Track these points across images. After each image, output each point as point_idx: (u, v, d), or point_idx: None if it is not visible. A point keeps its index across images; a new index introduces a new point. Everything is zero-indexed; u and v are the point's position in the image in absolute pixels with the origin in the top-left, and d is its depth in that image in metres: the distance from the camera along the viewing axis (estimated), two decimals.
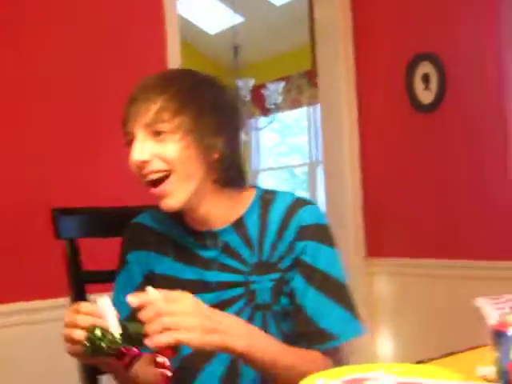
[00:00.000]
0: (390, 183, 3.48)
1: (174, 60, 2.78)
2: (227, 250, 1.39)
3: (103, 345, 1.11)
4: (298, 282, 1.35)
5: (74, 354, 1.18)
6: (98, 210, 1.77)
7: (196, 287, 1.33)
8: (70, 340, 1.15)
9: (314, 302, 1.34)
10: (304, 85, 6.33)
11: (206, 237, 1.40)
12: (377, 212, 3.54)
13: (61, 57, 2.60)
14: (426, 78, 3.28)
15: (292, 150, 7.68)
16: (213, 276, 1.39)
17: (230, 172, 1.38)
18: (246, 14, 6.30)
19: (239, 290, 1.37)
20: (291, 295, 1.36)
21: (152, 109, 1.29)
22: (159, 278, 1.42)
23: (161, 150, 1.30)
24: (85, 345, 1.12)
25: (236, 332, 1.19)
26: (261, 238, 1.39)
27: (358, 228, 3.56)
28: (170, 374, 1.15)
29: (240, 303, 1.37)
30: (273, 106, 5.21)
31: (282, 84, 5.22)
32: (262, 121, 6.39)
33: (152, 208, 1.44)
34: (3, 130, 2.47)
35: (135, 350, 1.14)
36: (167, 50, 2.81)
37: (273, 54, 6.53)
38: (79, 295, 1.62)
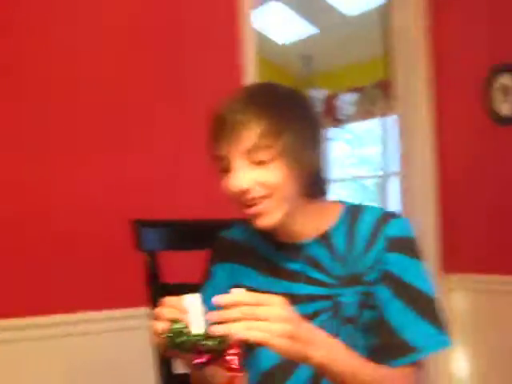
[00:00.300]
0: (468, 196, 3.39)
1: (251, 73, 2.79)
2: (313, 262, 1.38)
3: (180, 340, 1.11)
4: (383, 293, 1.33)
5: (156, 345, 1.18)
6: (179, 222, 1.75)
7: None
8: (155, 332, 1.15)
9: (399, 314, 1.31)
10: (377, 95, 6.26)
11: (292, 249, 1.39)
12: (454, 226, 3.44)
13: (145, 69, 2.63)
14: (505, 90, 3.18)
15: (361, 162, 7.61)
16: (299, 288, 1.37)
17: (318, 185, 1.38)
18: (318, 25, 6.27)
19: (325, 303, 1.34)
20: (376, 308, 1.33)
21: (252, 136, 1.25)
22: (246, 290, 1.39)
23: (262, 176, 1.27)
24: (166, 338, 1.12)
25: (318, 342, 1.16)
26: (348, 250, 1.37)
27: (435, 243, 3.47)
28: (240, 374, 1.10)
29: (324, 316, 1.34)
30: (344, 117, 5.16)
31: (356, 95, 5.17)
32: (332, 131, 6.34)
33: (239, 221, 1.44)
34: (86, 145, 2.49)
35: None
36: (243, 62, 2.81)
37: (344, 64, 6.49)
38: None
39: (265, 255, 1.42)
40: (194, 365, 1.12)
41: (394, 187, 6.66)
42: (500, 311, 3.20)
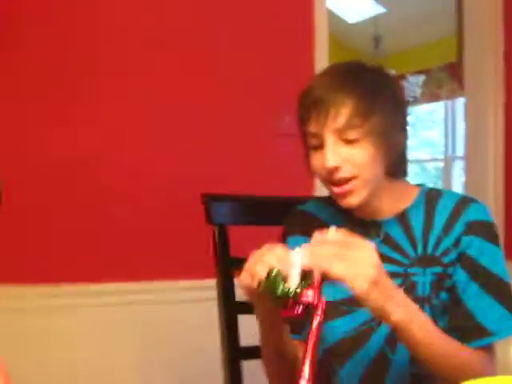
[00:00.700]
0: None
1: (323, 54, 2.78)
2: (388, 241, 1.38)
3: (277, 287, 1.08)
4: (460, 275, 1.33)
5: (245, 286, 1.16)
6: (247, 197, 1.77)
7: None
8: (250, 272, 1.14)
9: (475, 297, 1.32)
10: (444, 78, 6.16)
11: (369, 226, 1.39)
12: None
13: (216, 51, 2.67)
14: None
15: (422, 144, 7.51)
16: None
17: (401, 165, 1.39)
18: (388, 5, 6.18)
19: (397, 281, 1.33)
20: (451, 290, 1.33)
21: (343, 113, 1.26)
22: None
23: (352, 155, 1.28)
24: (260, 281, 1.11)
25: (399, 299, 1.16)
26: (425, 232, 1.37)
27: (500, 228, 3.42)
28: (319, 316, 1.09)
29: None
30: (411, 99, 5.10)
31: (422, 77, 5.10)
32: None
33: (315, 198, 1.47)
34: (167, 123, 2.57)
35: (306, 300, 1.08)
36: (315, 43, 2.81)
37: (413, 45, 6.39)
38: (226, 280, 1.64)
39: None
40: (284, 317, 1.12)
41: (456, 171, 6.57)
42: None
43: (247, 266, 1.15)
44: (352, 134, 1.27)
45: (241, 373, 1.62)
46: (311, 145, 1.32)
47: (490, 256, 1.34)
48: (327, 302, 1.12)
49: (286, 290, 1.07)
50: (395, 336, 1.24)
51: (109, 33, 2.49)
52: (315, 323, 1.07)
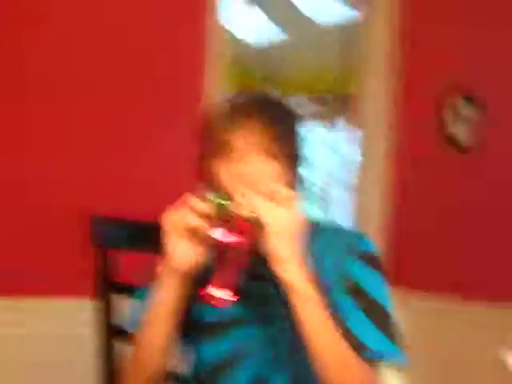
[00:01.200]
0: (421, 215, 3.40)
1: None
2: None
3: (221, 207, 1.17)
4: (346, 303, 1.33)
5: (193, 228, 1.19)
6: (132, 221, 1.72)
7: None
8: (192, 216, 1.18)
9: (356, 319, 1.32)
10: (337, 108, 6.29)
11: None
12: (405, 240, 3.46)
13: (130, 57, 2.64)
14: (456, 113, 3.24)
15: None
16: (252, 286, 1.34)
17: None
18: (289, 32, 6.27)
19: (279, 309, 1.33)
20: (333, 308, 1.30)
21: (256, 129, 1.28)
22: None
23: (263, 171, 1.28)
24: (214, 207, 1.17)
25: (302, 264, 1.20)
26: (314, 265, 1.34)
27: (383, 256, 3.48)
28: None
29: (279, 322, 1.34)
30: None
31: (317, 105, 5.18)
32: None
33: None
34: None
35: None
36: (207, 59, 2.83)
37: (310, 73, 6.49)
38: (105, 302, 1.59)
39: None
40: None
41: (337, 196, 6.67)
42: (436, 331, 3.24)
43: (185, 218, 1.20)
44: (266, 149, 1.28)
45: None
46: (216, 152, 1.30)
47: (373, 282, 1.36)
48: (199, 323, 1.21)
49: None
50: (274, 363, 1.30)
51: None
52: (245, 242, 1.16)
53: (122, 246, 1.65)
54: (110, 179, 2.59)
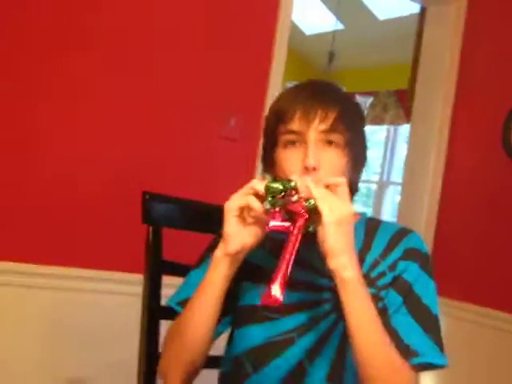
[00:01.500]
0: (466, 223, 3.36)
1: (280, 63, 2.78)
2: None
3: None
4: (392, 297, 1.34)
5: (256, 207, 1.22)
6: (187, 202, 1.71)
7: None
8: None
9: (405, 323, 1.31)
10: (391, 103, 6.22)
11: (310, 236, 1.35)
12: (448, 247, 3.42)
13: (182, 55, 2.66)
14: None
15: None
16: (303, 275, 1.37)
17: (357, 184, 1.42)
18: (346, 23, 6.21)
19: (327, 294, 1.34)
20: (382, 312, 1.31)
21: (330, 117, 1.30)
22: (247, 265, 1.36)
23: (329, 159, 1.31)
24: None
25: (355, 259, 1.21)
26: (362, 253, 1.38)
27: None
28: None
29: (327, 306, 1.35)
30: None
31: (370, 99, 5.13)
32: None
33: None
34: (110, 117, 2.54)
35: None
36: (274, 51, 2.82)
37: (365, 66, 6.44)
38: (153, 282, 1.59)
39: (278, 238, 1.39)
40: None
41: (388, 197, 6.65)
42: (474, 342, 3.20)
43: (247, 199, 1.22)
44: (335, 138, 1.31)
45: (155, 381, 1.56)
46: (288, 141, 1.33)
47: (423, 285, 1.35)
48: (251, 307, 1.23)
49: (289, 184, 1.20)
50: (316, 348, 1.30)
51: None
52: (296, 229, 1.16)
53: (175, 225, 1.64)
54: (163, 159, 2.60)
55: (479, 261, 3.27)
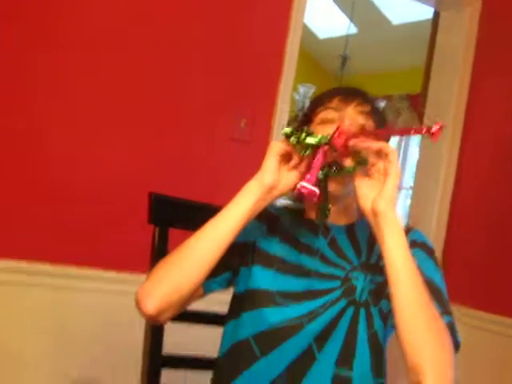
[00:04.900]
0: (477, 229, 3.35)
1: (291, 65, 2.77)
2: (334, 246, 1.42)
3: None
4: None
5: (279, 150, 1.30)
6: (194, 203, 1.71)
7: (292, 269, 1.39)
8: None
9: None
10: (403, 108, 6.21)
11: (319, 227, 1.43)
12: (457, 253, 3.40)
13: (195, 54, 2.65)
14: None
15: None
16: (313, 264, 1.40)
17: None
18: (360, 26, 6.20)
19: (336, 283, 1.38)
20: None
21: (366, 106, 1.39)
22: (258, 250, 1.43)
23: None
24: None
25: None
26: (370, 244, 1.42)
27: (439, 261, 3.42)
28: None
29: (336, 294, 1.37)
30: None
31: (383, 103, 5.11)
32: None
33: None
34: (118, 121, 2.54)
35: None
36: (285, 54, 2.82)
37: (378, 70, 6.42)
38: None
39: (289, 227, 1.46)
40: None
41: (400, 201, 6.62)
42: (485, 349, 3.18)
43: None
44: (368, 125, 1.38)
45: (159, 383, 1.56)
46: (325, 119, 1.40)
47: (432, 269, 1.36)
48: (262, 291, 1.29)
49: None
50: (325, 334, 1.32)
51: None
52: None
53: (182, 226, 1.63)
54: (172, 160, 2.61)
55: (489, 268, 3.25)
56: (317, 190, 1.25)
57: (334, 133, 1.26)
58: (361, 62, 6.13)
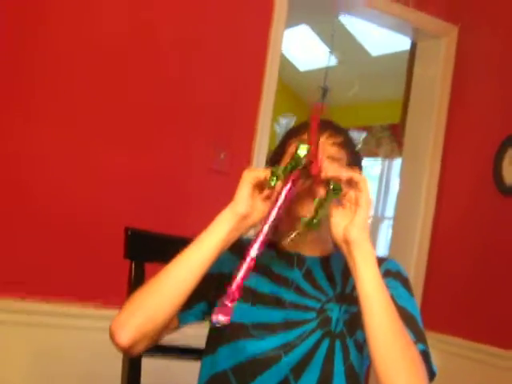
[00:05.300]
0: (457, 258, 3.36)
1: (269, 97, 2.79)
2: (309, 277, 1.43)
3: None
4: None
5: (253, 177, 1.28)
6: (170, 237, 1.70)
7: (268, 301, 1.39)
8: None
9: None
10: (384, 138, 6.25)
11: (294, 258, 1.43)
12: (438, 281, 3.41)
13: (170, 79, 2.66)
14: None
15: None
16: (288, 296, 1.40)
17: None
18: (339, 58, 6.26)
19: (311, 314, 1.37)
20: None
21: (338, 137, 1.41)
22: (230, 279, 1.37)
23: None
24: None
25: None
26: (344, 276, 1.42)
27: (419, 291, 3.42)
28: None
29: (311, 325, 1.36)
30: None
31: (364, 134, 5.15)
32: None
33: None
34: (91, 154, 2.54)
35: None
36: (263, 86, 2.84)
37: (359, 101, 6.48)
38: None
39: (263, 259, 1.40)
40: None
41: (383, 231, 6.63)
42: (462, 376, 3.17)
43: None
44: (341, 155, 1.40)
45: None
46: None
47: (405, 299, 1.36)
48: (237, 324, 1.26)
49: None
50: (302, 365, 1.32)
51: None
52: (285, 190, 1.22)
53: (157, 260, 1.62)
54: (149, 192, 2.60)
55: (470, 296, 3.26)
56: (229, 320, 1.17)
57: (309, 155, 1.24)
58: (341, 94, 6.17)
